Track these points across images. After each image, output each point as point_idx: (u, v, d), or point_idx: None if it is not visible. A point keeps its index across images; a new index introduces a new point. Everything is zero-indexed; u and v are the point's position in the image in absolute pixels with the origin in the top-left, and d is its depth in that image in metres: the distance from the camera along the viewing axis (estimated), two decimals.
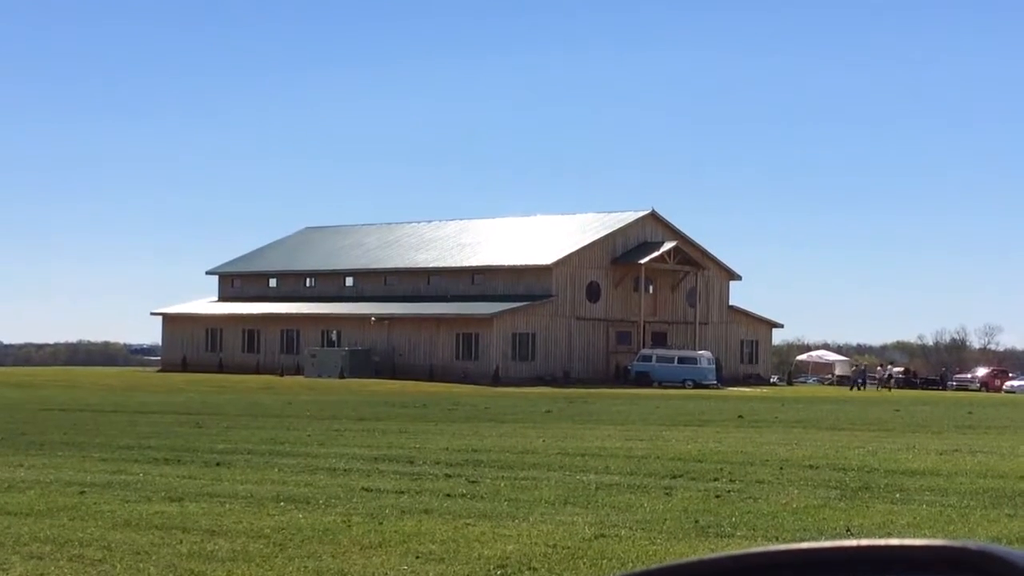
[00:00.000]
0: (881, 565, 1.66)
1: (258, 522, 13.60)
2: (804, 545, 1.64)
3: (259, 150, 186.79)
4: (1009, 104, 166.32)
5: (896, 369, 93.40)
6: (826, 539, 1.89)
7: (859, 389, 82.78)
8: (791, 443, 26.17)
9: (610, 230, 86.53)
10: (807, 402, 55.93)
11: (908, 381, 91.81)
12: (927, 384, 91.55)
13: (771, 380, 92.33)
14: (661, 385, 76.41)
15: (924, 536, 12.97)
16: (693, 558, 1.74)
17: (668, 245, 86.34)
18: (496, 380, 75.98)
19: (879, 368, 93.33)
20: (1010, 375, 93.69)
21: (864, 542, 1.63)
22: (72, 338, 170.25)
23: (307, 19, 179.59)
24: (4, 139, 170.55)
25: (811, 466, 20.67)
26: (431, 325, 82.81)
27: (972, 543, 1.53)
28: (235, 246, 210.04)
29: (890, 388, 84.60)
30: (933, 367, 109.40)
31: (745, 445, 25.49)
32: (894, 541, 1.59)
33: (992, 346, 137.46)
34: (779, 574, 1.69)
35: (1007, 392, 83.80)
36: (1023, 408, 51.23)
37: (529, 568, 10.76)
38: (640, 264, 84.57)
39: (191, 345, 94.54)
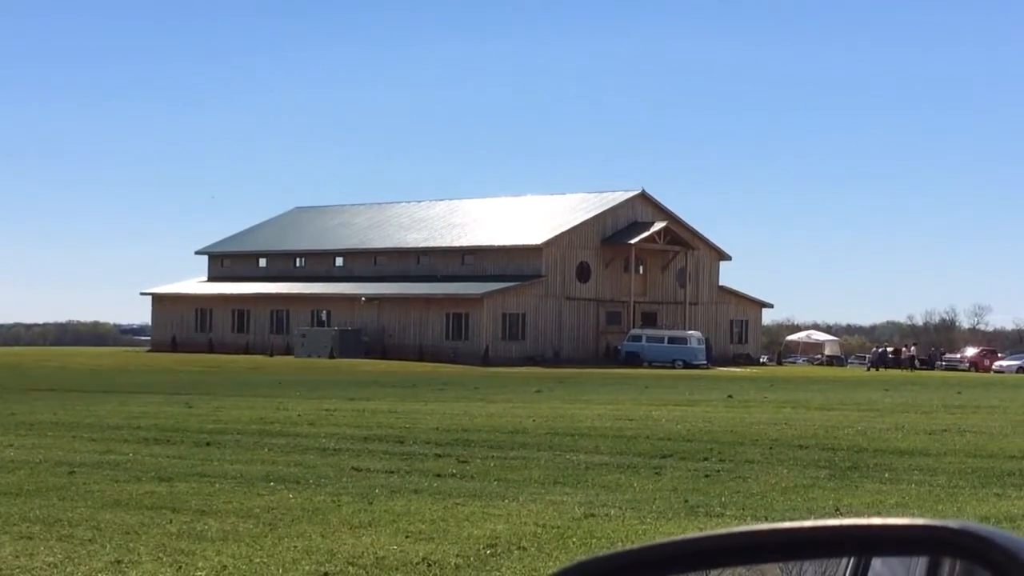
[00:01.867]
0: (864, 544, 1.66)
1: (248, 502, 13.60)
2: (788, 525, 1.64)
3: (249, 130, 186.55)
4: (1000, 85, 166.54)
5: (890, 349, 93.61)
6: (813, 518, 1.89)
7: (877, 369, 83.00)
8: (781, 423, 26.21)
9: (600, 210, 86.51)
10: (797, 382, 56.03)
11: (897, 361, 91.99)
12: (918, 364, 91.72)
13: (761, 360, 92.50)
14: (651, 365, 76.49)
15: (912, 515, 12.98)
16: (677, 537, 1.74)
17: (658, 225, 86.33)
18: (486, 360, 76.04)
19: (903, 349, 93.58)
20: (999, 355, 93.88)
21: (847, 521, 1.63)
22: (61, 318, 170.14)
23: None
24: None
25: (801, 446, 20.72)
26: (421, 305, 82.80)
27: (953, 522, 1.53)
28: (225, 226, 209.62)
29: (912, 368, 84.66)
30: (923, 347, 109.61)
31: (735, 425, 25.53)
32: (877, 520, 1.59)
33: (981, 326, 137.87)
34: (764, 554, 1.69)
35: (996, 372, 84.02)
36: (1012, 388, 51.36)
37: (519, 547, 10.77)
38: (630, 244, 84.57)
39: (181, 325, 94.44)
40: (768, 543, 1.66)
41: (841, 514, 13.21)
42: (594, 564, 1.76)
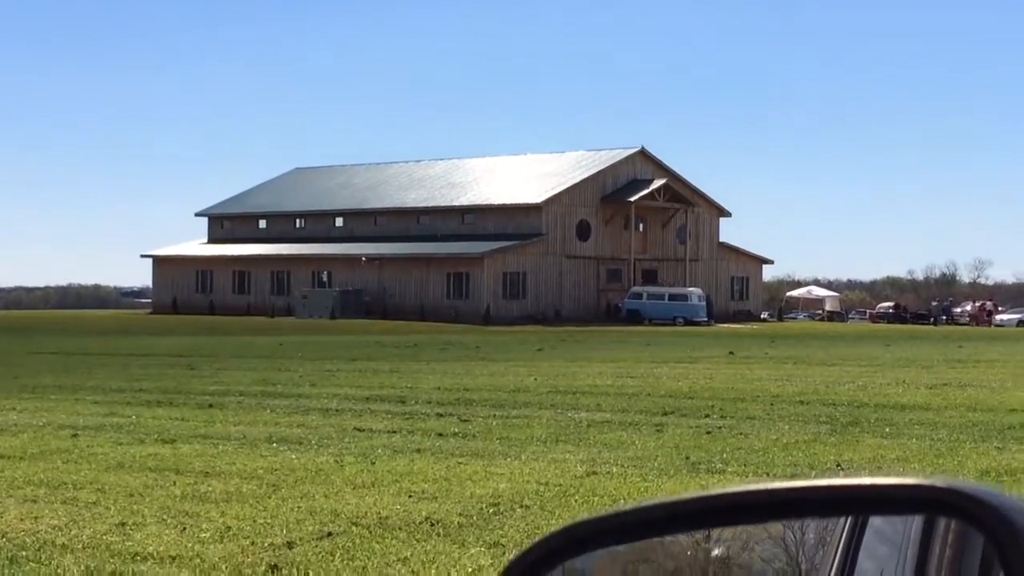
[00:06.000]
0: (852, 504, 1.66)
1: (251, 463, 13.64)
2: (773, 485, 1.65)
3: (248, 91, 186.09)
4: (999, 38, 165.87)
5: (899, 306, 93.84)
6: (815, 476, 1.89)
7: (938, 324, 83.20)
8: (781, 379, 26.26)
9: (600, 168, 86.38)
10: (797, 338, 56.08)
11: (898, 316, 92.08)
12: (917, 319, 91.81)
13: (761, 316, 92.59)
14: (652, 322, 76.58)
15: (913, 471, 12.99)
16: (661, 498, 1.75)
17: (658, 182, 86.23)
18: (487, 319, 76.11)
19: (974, 303, 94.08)
20: (999, 308, 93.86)
21: (834, 481, 1.63)
22: (62, 281, 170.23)
23: None
24: None
25: (801, 401, 20.75)
26: (422, 265, 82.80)
27: (940, 480, 1.54)
28: (225, 187, 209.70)
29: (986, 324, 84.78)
30: (924, 302, 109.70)
31: (736, 381, 25.58)
32: (865, 480, 1.60)
33: (982, 280, 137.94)
34: (749, 515, 1.70)
35: (996, 326, 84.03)
36: (1012, 341, 51.39)
37: (521, 506, 10.81)
38: (630, 202, 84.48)
39: (182, 287, 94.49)
40: (751, 504, 1.67)
41: (842, 469, 13.25)
42: (591, 524, 1.77)
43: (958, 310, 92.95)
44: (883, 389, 23.35)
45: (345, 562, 8.70)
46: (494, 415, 18.92)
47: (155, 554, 8.93)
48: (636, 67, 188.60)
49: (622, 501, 11.02)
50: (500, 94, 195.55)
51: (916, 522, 1.64)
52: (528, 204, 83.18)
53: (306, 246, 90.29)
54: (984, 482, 11.90)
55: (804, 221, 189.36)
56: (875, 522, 1.71)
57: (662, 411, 19.35)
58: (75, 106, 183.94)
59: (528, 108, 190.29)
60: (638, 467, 13.32)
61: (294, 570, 8.45)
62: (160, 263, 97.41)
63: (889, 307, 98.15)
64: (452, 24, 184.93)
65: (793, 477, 11.48)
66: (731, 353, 38.86)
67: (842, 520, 1.73)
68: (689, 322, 76.56)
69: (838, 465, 13.53)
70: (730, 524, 1.73)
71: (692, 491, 1.79)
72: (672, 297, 79.74)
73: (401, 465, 13.42)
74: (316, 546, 9.16)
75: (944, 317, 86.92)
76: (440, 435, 16.39)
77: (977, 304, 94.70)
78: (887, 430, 16.76)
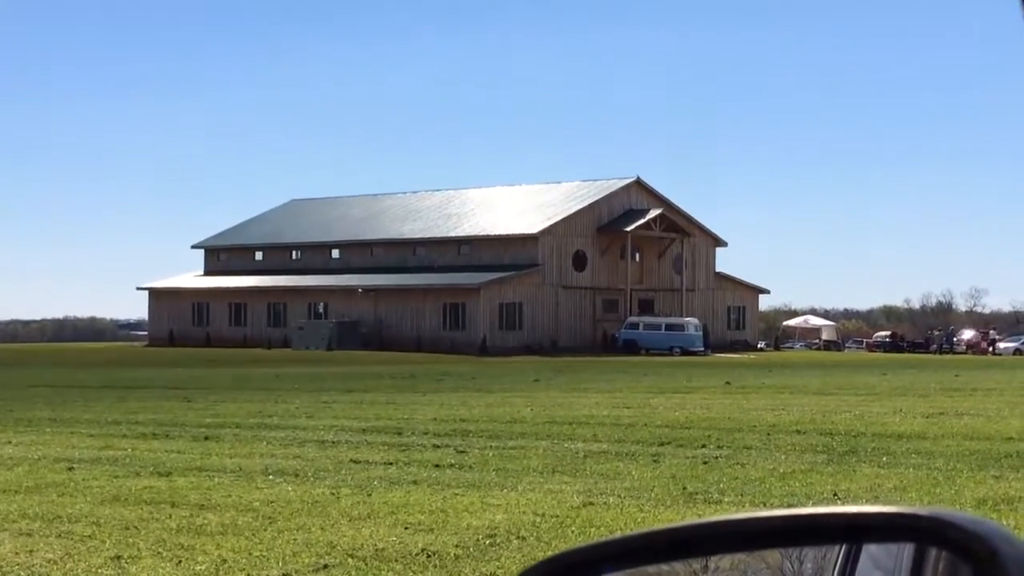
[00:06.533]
0: (835, 532, 1.66)
1: (247, 495, 13.60)
2: (757, 514, 1.65)
3: (244, 123, 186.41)
4: (991, 68, 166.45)
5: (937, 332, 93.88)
6: (812, 505, 1.90)
7: (941, 351, 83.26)
8: (778, 408, 26.22)
9: (595, 198, 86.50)
10: (794, 367, 56.04)
11: (895, 345, 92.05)
12: (914, 347, 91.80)
13: (758, 346, 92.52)
14: (648, 353, 76.48)
15: (910, 500, 12.95)
16: (642, 530, 1.75)
17: (654, 212, 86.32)
18: (484, 350, 76.03)
19: (988, 332, 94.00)
20: (997, 337, 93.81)
21: (818, 510, 1.63)
22: (58, 314, 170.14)
23: None
24: None
25: (798, 431, 20.72)
26: (418, 296, 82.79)
27: (924, 509, 1.54)
28: (221, 220, 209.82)
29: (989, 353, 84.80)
30: (920, 330, 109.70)
31: (733, 411, 25.54)
32: (849, 508, 1.60)
33: (978, 309, 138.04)
34: (733, 544, 1.69)
35: (995, 355, 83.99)
36: (1009, 369, 51.36)
37: (518, 537, 10.78)
38: (626, 232, 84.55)
39: (178, 320, 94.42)
40: (735, 534, 1.67)
41: (839, 499, 13.22)
42: (585, 551, 1.77)
43: (955, 339, 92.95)
44: (880, 418, 23.31)
45: None
46: (490, 446, 18.88)
47: None
48: (630, 98, 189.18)
49: (619, 532, 10.99)
50: (495, 126, 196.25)
51: (908, 550, 1.64)
52: (524, 235, 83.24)
53: (302, 278, 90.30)
54: (980, 511, 11.88)
55: (800, 251, 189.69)
56: (869, 550, 1.71)
57: (659, 441, 19.32)
58: (69, 138, 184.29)
59: (523, 139, 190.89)
60: (635, 497, 13.29)
61: None
62: (156, 295, 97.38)
63: (886, 336, 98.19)
64: (446, 55, 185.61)
65: (789, 507, 11.44)
66: (728, 383, 38.81)
67: (837, 548, 1.73)
68: (686, 352, 76.45)
69: (835, 495, 13.50)
70: (724, 552, 1.73)
71: (688, 519, 1.79)
72: (668, 327, 79.69)
73: (397, 497, 13.39)
74: None
75: (947, 345, 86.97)
76: (436, 466, 16.36)
77: (980, 332, 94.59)
78: (884, 459, 16.73)
